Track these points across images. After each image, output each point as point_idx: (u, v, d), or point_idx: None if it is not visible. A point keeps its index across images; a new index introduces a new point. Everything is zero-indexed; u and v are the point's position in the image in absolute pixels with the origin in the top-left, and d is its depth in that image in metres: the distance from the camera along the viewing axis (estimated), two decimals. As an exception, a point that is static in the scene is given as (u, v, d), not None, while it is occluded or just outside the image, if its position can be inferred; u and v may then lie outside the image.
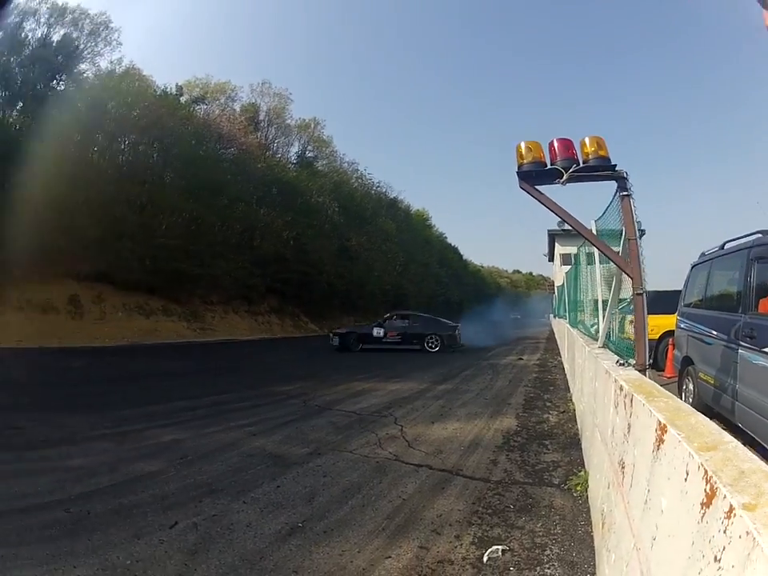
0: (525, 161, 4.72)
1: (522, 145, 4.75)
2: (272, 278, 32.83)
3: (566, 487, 4.87)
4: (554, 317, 32.68)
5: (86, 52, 28.02)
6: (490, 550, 3.56)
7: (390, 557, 3.54)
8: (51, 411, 7.95)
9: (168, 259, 25.38)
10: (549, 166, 4.69)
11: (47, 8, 26.00)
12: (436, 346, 19.96)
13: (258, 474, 5.28)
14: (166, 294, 26.62)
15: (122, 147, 28.43)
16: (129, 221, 24.57)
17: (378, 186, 56.56)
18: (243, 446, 6.36)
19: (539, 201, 4.78)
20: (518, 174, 4.76)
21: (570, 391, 10.03)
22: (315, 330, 34.63)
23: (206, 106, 38.61)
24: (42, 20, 25.86)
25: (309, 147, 48.08)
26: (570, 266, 15.79)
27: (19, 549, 3.53)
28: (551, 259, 49.04)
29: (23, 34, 24.74)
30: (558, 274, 38.55)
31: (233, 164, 34.18)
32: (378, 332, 20.18)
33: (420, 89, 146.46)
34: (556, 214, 4.83)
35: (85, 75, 27.81)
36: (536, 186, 4.79)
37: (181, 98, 35.21)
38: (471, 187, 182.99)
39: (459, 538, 3.82)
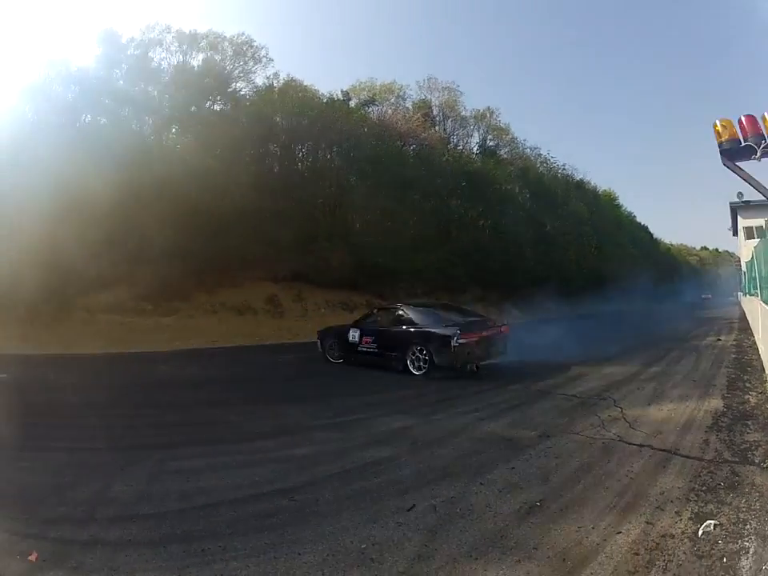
0: (723, 139, 5.10)
1: (717, 123, 5.15)
2: (473, 268, 33.32)
3: (765, 466, 5.16)
4: (744, 294, 31.00)
5: (236, 71, 30.06)
6: (704, 524, 3.92)
7: (620, 532, 3.87)
8: (266, 404, 8.49)
9: (367, 256, 26.70)
10: (743, 143, 5.06)
11: (173, 37, 28.42)
12: (422, 367, 11.30)
13: (492, 457, 5.59)
14: (370, 289, 28.04)
15: (300, 155, 30.58)
16: (321, 223, 26.48)
17: (564, 169, 56.09)
18: (473, 430, 6.68)
19: (741, 177, 5.11)
20: (720, 153, 5.13)
21: (765, 371, 10.31)
22: (519, 316, 34.91)
23: (377, 108, 40.28)
24: (173, 48, 28.24)
25: (489, 136, 48.69)
26: (754, 240, 14.17)
27: (230, 540, 3.72)
28: (735, 233, 46.32)
29: (153, 64, 27.26)
30: (744, 248, 37.44)
31: (417, 159, 35.25)
32: (353, 335, 13.35)
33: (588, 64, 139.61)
34: (757, 190, 5.17)
35: (242, 93, 29.98)
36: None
37: (349, 103, 37.03)
38: (654, 162, 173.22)
39: (679, 514, 4.16)
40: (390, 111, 39.75)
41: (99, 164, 20.64)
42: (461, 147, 45.02)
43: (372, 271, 27.02)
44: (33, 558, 3.63)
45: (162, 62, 27.80)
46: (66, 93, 25.33)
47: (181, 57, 28.38)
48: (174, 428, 7.05)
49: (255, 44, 30.12)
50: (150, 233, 19.58)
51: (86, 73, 25.61)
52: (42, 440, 6.57)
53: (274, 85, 30.85)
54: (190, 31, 28.85)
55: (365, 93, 40.33)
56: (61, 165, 20.77)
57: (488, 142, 48.17)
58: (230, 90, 29.01)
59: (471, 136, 47.28)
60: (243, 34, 30.10)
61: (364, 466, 5.27)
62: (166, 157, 23.25)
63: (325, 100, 32.94)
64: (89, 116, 25.23)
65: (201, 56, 28.87)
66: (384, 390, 9.64)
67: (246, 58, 29.81)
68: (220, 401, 8.77)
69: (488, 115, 47.62)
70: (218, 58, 29.15)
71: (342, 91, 37.25)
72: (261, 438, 6.41)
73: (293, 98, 29.77)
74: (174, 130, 26.82)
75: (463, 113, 45.77)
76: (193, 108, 26.93)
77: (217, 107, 28.68)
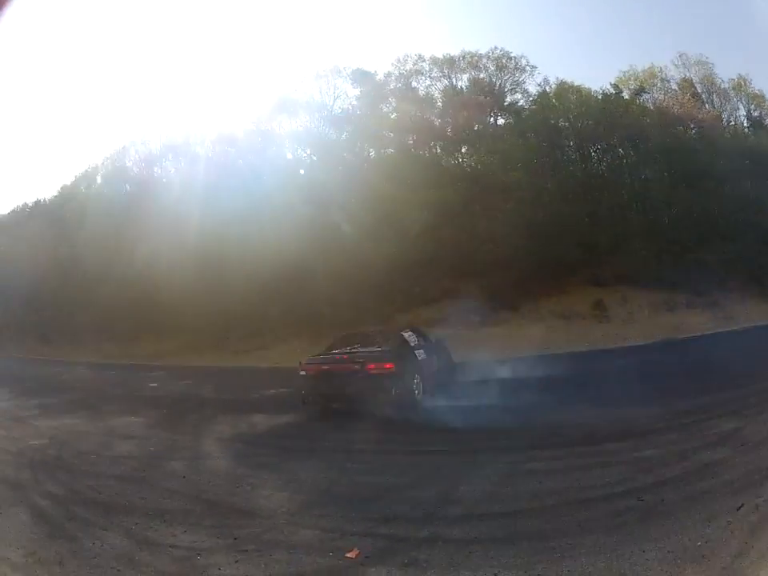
0: None
1: None
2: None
3: None
4: None
5: (507, 84, 31.54)
6: None
7: None
8: (607, 407, 9.00)
9: (681, 252, 26.20)
10: None
11: (429, 64, 31.08)
12: None
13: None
14: (687, 286, 26.81)
15: (595, 156, 30.92)
16: (631, 221, 26.68)
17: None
18: (796, 430, 6.90)
19: None
20: None
21: None
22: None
23: (648, 95, 38.93)
24: (435, 74, 31.11)
25: (751, 106, 43.86)
26: None
27: (580, 538, 4.17)
28: None
29: (421, 91, 30.53)
30: None
31: (700, 143, 33.42)
32: None
33: None
34: None
35: (519, 105, 31.34)
36: None
37: (622, 95, 36.44)
38: None
39: None
40: (660, 96, 37.96)
41: (397, 188, 23.51)
42: (732, 122, 41.40)
43: (689, 268, 25.85)
44: (352, 554, 4.06)
45: (430, 89, 30.90)
46: (341, 133, 30.32)
47: (446, 81, 30.99)
48: (519, 433, 7.80)
49: (513, 55, 31.30)
50: (469, 248, 21.93)
51: (349, 113, 30.11)
52: (377, 443, 7.71)
53: (547, 91, 31.48)
54: (444, 55, 31.16)
55: (631, 82, 38.96)
56: (351, 193, 24.44)
57: (752, 112, 43.52)
58: (506, 103, 30.49)
59: (737, 109, 43.08)
60: (497, 48, 31.31)
61: (702, 467, 5.65)
62: (464, 175, 25.89)
63: (600, 97, 32.64)
64: (371, 149, 29.61)
65: (464, 76, 31.05)
66: (712, 391, 9.76)
67: (511, 70, 31.10)
68: (562, 406, 9.48)
69: (743, 84, 43.01)
70: (482, 75, 30.91)
71: (611, 84, 36.50)
72: (608, 441, 6.97)
73: (571, 100, 30.25)
74: (464, 149, 28.99)
75: (723, 85, 41.95)
76: (476, 126, 29.01)
77: (500, 121, 30.59)
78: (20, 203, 56.34)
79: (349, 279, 22.38)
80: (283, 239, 24.36)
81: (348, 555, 4.05)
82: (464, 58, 31.17)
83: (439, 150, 29.37)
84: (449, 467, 6.32)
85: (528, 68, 31.36)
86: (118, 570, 4.18)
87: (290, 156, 32.84)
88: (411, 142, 29.60)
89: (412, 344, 11.91)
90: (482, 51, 31.39)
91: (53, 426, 10.82)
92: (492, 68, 31.17)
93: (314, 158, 31.94)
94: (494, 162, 26.24)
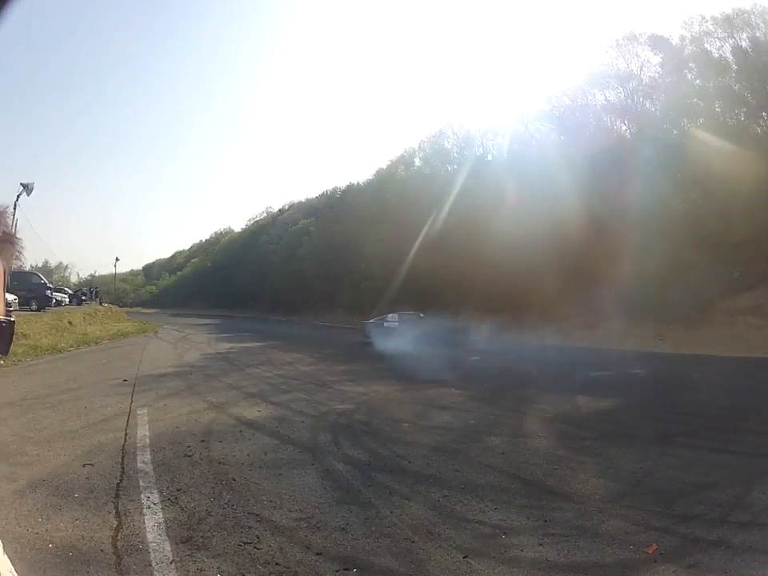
0: None
1: None
2: None
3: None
4: None
5: None
6: None
7: None
8: None
9: None
10: None
11: (711, 25, 29.20)
12: None
13: None
14: None
15: None
16: None
17: None
18: None
19: None
20: None
21: None
22: None
23: None
24: (719, 35, 28.82)
25: None
26: None
27: None
28: None
29: (714, 55, 28.62)
30: None
31: None
32: None
33: None
34: None
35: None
36: None
37: None
38: None
39: None
40: None
41: (714, 160, 22.98)
42: None
43: None
44: (650, 550, 3.94)
45: (721, 51, 28.87)
46: (654, 103, 30.88)
47: (732, 41, 28.57)
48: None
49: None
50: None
51: (657, 82, 30.39)
52: (690, 438, 7.43)
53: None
54: (721, 14, 29.17)
55: None
56: (674, 166, 24.45)
57: None
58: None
59: None
60: (756, 3, 28.19)
61: None
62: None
63: None
64: (684, 119, 28.64)
65: (744, 35, 28.42)
66: None
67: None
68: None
69: None
70: (757, 33, 27.94)
71: None
72: None
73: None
74: (765, 115, 26.77)
75: None
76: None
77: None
78: (329, 188, 64.37)
79: (677, 262, 21.62)
80: (608, 214, 24.49)
81: (646, 550, 3.96)
82: (737, 15, 28.63)
83: (743, 118, 27.32)
84: (747, 470, 5.96)
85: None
86: (413, 542, 4.17)
87: (610, 129, 32.90)
88: (718, 109, 27.98)
89: (388, 319, 23.49)
90: (746, 7, 28.56)
91: (361, 392, 11.34)
92: (762, 25, 28.04)
93: (633, 129, 31.54)
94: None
